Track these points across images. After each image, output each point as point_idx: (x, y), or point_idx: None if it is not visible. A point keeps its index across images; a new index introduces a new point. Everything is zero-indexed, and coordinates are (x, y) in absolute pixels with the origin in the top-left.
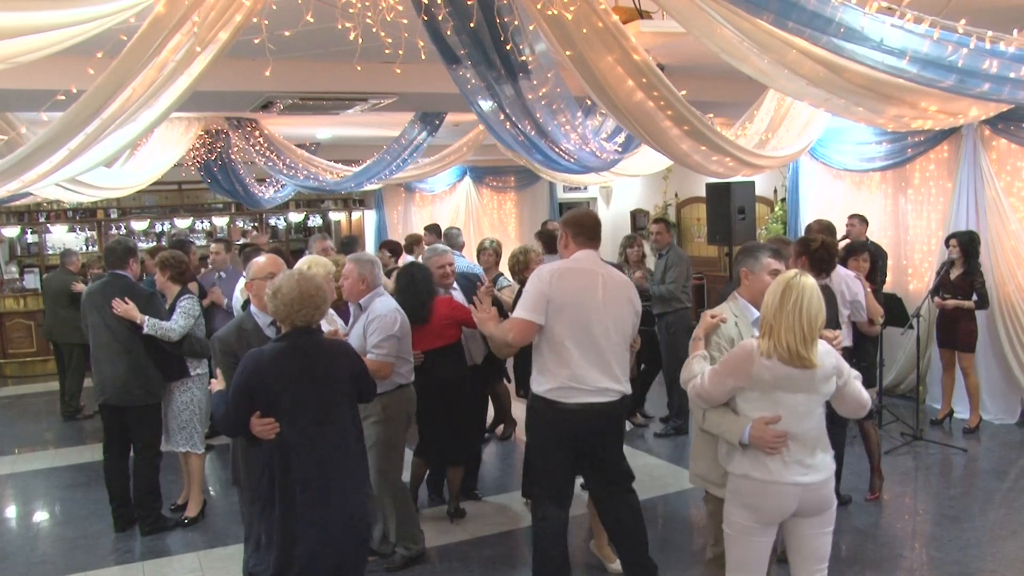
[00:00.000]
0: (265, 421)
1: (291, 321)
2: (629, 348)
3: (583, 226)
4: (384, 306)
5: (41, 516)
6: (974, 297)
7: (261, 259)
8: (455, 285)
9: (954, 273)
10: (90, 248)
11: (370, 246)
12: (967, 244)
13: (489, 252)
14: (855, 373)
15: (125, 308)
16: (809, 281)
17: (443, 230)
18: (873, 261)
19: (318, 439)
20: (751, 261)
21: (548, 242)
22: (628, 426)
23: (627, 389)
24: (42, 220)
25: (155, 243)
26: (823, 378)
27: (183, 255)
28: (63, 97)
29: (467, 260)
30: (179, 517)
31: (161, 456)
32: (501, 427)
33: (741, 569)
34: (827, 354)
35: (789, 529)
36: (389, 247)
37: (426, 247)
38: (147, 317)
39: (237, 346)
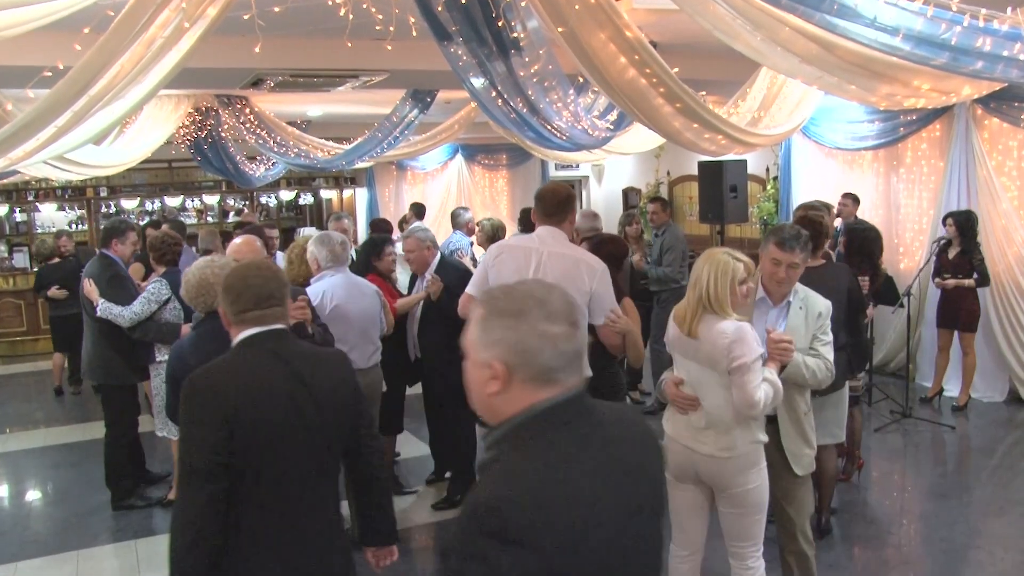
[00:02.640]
0: None
1: (195, 306)
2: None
3: (540, 200)
4: (312, 289)
5: (33, 495)
6: (974, 275)
7: (237, 240)
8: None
9: (952, 253)
10: (80, 227)
11: (362, 224)
12: (963, 223)
13: (477, 231)
14: (769, 376)
15: (88, 289)
16: (713, 256)
17: (453, 209)
18: (850, 241)
19: None
20: (763, 243)
21: (522, 220)
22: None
23: None
24: (31, 198)
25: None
26: (709, 353)
27: (173, 236)
28: (50, 74)
29: (467, 240)
30: (161, 497)
31: (127, 437)
32: None
33: (674, 516)
34: (721, 333)
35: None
36: (374, 226)
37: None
38: (102, 300)
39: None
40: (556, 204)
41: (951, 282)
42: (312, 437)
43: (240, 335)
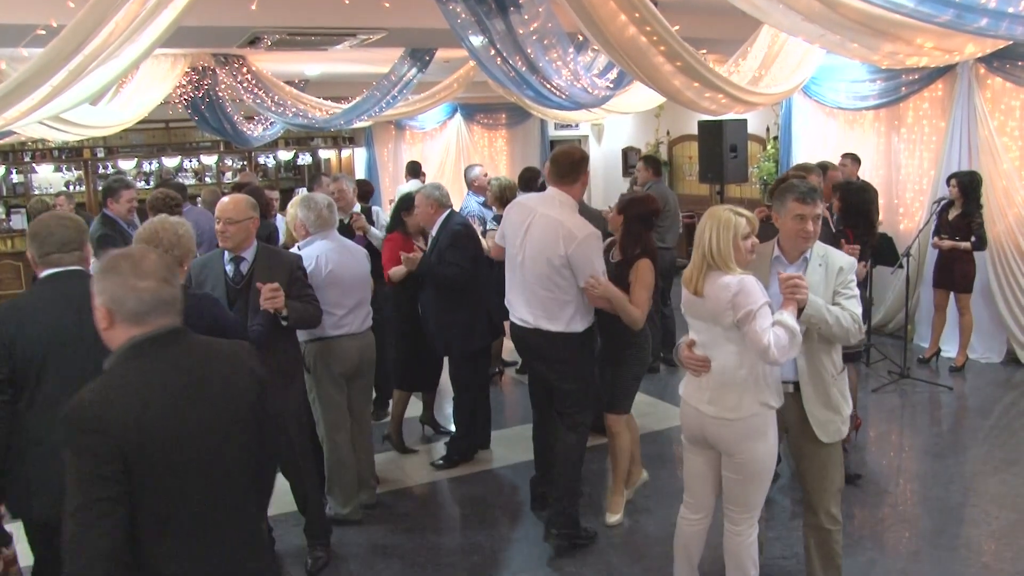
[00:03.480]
0: None
1: None
2: (565, 292)
3: (554, 163)
4: (303, 253)
5: None
6: (972, 238)
7: (225, 199)
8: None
9: (952, 214)
10: (77, 188)
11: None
12: (967, 184)
13: (487, 190)
14: (781, 318)
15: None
16: (715, 212)
17: (464, 168)
18: (847, 202)
19: None
20: (778, 204)
21: (521, 178)
22: None
23: (545, 326)
24: (27, 159)
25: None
26: (713, 309)
27: (173, 195)
28: (43, 32)
29: (477, 200)
30: None
31: None
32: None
33: (686, 479)
34: (724, 287)
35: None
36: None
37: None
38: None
39: (196, 277)
40: (569, 165)
41: (947, 243)
42: (84, 362)
43: (41, 274)
